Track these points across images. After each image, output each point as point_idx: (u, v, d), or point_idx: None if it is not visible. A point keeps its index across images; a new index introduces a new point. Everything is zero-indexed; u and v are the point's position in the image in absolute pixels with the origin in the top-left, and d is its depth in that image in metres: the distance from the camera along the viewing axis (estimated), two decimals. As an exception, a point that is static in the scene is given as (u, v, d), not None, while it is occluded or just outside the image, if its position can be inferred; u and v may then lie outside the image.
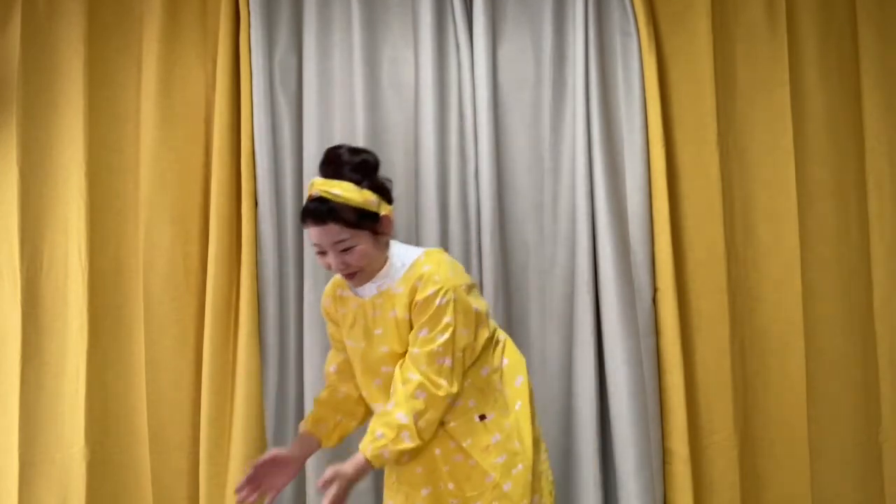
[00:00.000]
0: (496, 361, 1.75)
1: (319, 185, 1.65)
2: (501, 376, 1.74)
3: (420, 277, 1.64)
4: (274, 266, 2.26)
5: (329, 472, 1.59)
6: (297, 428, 2.31)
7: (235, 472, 2.18)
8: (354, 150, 1.71)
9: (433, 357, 1.61)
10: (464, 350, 1.65)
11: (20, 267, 2.25)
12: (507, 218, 2.32)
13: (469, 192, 2.29)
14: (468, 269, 2.24)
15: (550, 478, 1.76)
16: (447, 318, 1.62)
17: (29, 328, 2.25)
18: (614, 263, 2.22)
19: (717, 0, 2.32)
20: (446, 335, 1.61)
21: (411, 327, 1.66)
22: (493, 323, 1.79)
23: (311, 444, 1.82)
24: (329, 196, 1.62)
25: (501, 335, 1.81)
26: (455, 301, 1.63)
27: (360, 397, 1.82)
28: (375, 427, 1.62)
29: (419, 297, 1.63)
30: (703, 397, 2.27)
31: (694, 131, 2.30)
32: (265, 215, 2.26)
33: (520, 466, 1.66)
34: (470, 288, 1.70)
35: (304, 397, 2.28)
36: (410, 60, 2.35)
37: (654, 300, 2.27)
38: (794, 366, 2.28)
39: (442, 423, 1.66)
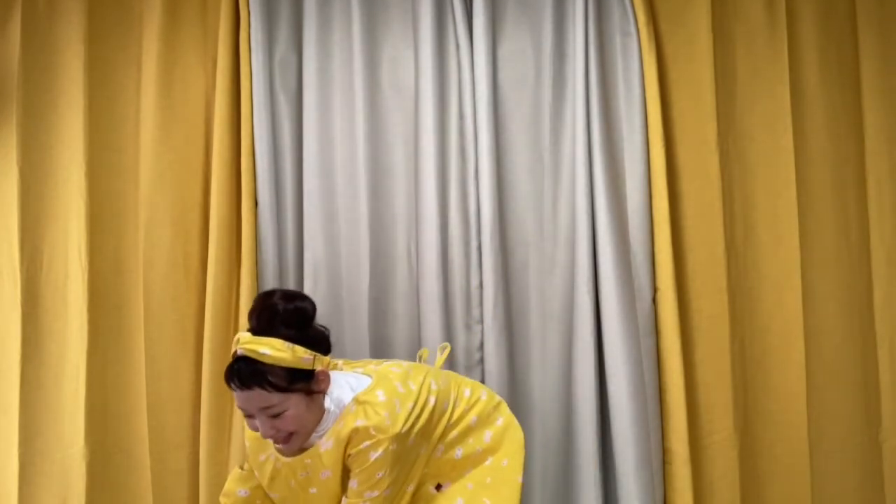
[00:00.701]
0: (457, 433, 1.66)
1: (245, 343, 1.50)
2: (470, 440, 1.67)
3: (355, 431, 1.50)
4: (274, 266, 2.26)
5: None
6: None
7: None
8: (289, 297, 1.58)
9: None
10: (396, 497, 1.56)
11: (20, 267, 2.25)
12: (507, 218, 2.32)
13: (469, 192, 2.29)
14: (468, 269, 2.25)
15: None
16: (380, 474, 1.51)
17: (29, 328, 2.25)
18: (614, 263, 2.22)
19: (717, 0, 2.32)
20: (376, 493, 1.51)
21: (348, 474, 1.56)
22: (452, 394, 1.69)
23: None
24: (256, 356, 1.48)
25: (466, 390, 1.72)
26: (392, 453, 1.50)
27: None
28: None
29: (352, 450, 1.52)
30: (703, 397, 2.27)
31: (694, 131, 2.29)
32: (265, 215, 2.26)
33: None
34: (415, 409, 1.56)
35: (304, 397, 2.27)
36: (410, 60, 2.35)
37: (654, 300, 2.27)
38: (794, 366, 2.28)
39: None
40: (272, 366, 1.48)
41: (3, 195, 2.28)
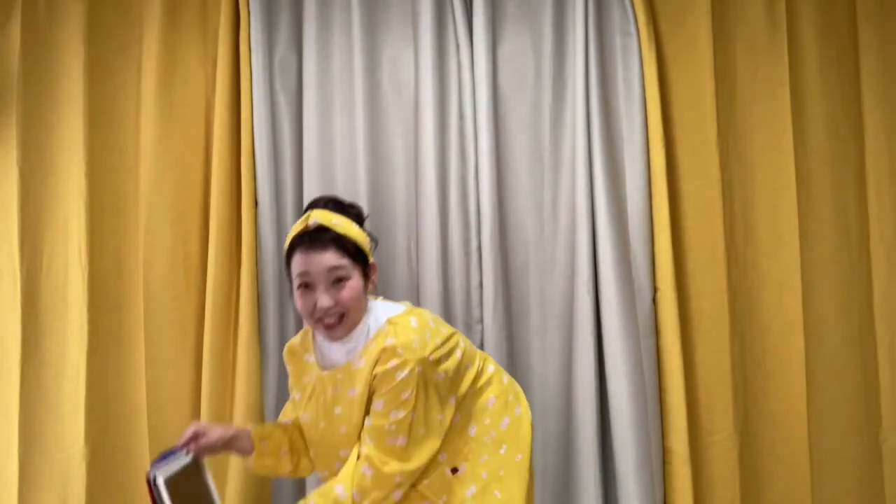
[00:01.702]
0: (474, 406, 1.66)
1: (319, 215, 1.58)
2: (486, 421, 1.65)
3: (383, 350, 1.52)
4: (274, 266, 2.26)
5: None
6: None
7: (235, 472, 2.18)
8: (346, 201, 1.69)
9: (384, 434, 1.51)
10: (426, 427, 1.54)
11: (20, 267, 2.25)
12: (507, 218, 2.32)
13: (469, 192, 2.29)
14: (468, 269, 2.25)
15: None
16: (406, 395, 1.50)
17: (29, 328, 2.25)
18: (614, 263, 2.22)
19: (717, 0, 2.32)
20: (402, 413, 1.50)
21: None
22: (477, 359, 1.70)
23: (241, 444, 1.68)
24: (330, 225, 1.57)
25: (489, 366, 1.72)
26: (419, 375, 1.50)
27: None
28: (312, 497, 1.52)
29: (379, 369, 1.51)
30: (703, 397, 2.27)
31: (694, 131, 2.29)
32: (265, 215, 2.26)
33: None
34: (440, 350, 1.57)
35: (304, 397, 2.28)
36: (410, 60, 2.35)
37: (654, 300, 2.27)
38: (794, 366, 2.28)
39: (414, 485, 1.57)
40: (344, 234, 1.58)
41: (3, 195, 2.28)
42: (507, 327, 2.29)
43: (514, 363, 2.26)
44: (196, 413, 2.26)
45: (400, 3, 2.36)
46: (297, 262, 1.58)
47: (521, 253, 2.32)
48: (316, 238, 1.56)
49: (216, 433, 1.63)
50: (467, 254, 2.27)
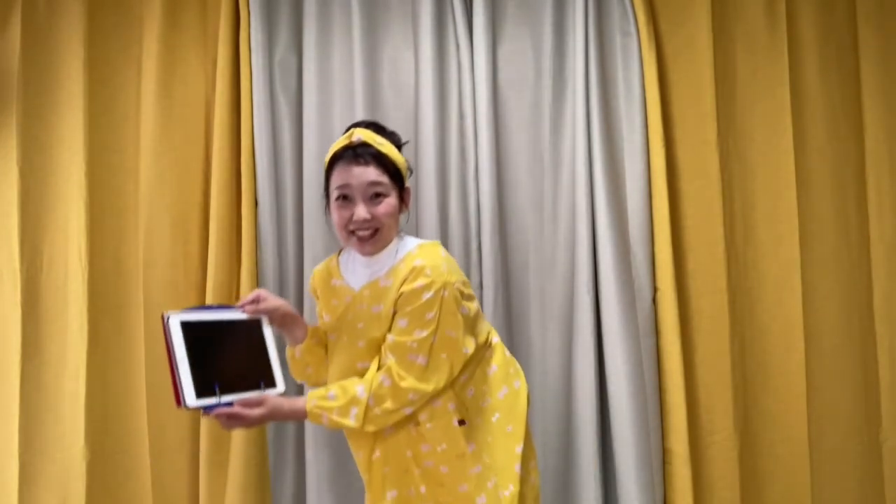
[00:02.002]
0: (476, 370, 1.67)
1: (363, 133, 1.64)
2: (484, 386, 1.67)
3: (412, 270, 1.57)
4: (274, 266, 2.26)
5: (263, 398, 1.54)
6: (297, 428, 2.32)
7: (235, 472, 2.19)
8: None
9: (405, 351, 1.56)
10: (453, 351, 1.58)
11: (20, 267, 2.25)
12: (507, 218, 2.32)
13: (469, 192, 2.29)
14: (468, 270, 2.25)
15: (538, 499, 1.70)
16: (430, 315, 1.55)
17: (29, 328, 2.25)
18: (614, 263, 2.22)
19: (717, 0, 2.32)
20: (425, 332, 1.55)
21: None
22: (486, 324, 1.74)
23: (296, 329, 1.72)
24: (373, 143, 1.63)
25: (494, 337, 1.75)
26: (443, 299, 1.55)
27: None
28: (333, 386, 1.59)
29: (406, 287, 1.56)
30: (703, 397, 2.27)
31: (694, 131, 2.30)
32: (265, 215, 2.26)
33: (493, 480, 1.59)
34: (463, 286, 1.63)
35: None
36: (410, 61, 2.35)
37: (654, 300, 2.27)
38: (794, 366, 2.28)
39: (417, 423, 1.60)
40: (386, 154, 1.63)
41: (3, 195, 2.28)
42: (507, 327, 2.29)
43: (514, 363, 2.26)
44: (196, 413, 2.26)
45: (400, 4, 2.36)
46: (339, 174, 1.63)
47: (521, 253, 2.32)
48: (359, 153, 1.61)
49: (277, 302, 1.69)
50: (467, 254, 2.27)
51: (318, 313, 1.80)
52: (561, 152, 2.32)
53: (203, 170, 2.32)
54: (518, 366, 1.79)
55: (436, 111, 2.27)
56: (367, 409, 1.54)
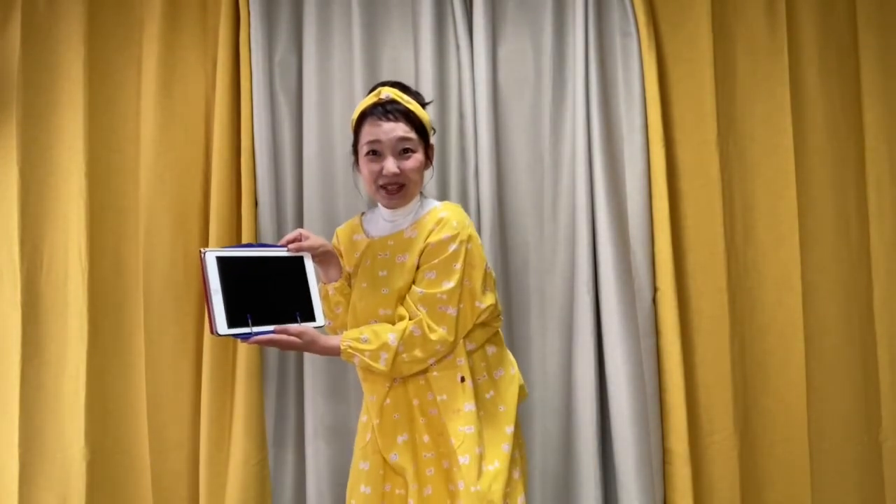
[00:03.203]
0: (481, 348, 1.74)
1: (391, 91, 1.71)
2: (482, 363, 1.74)
3: (438, 222, 1.66)
4: (274, 266, 2.26)
5: (301, 329, 1.60)
6: (297, 428, 2.32)
7: (235, 472, 2.19)
8: None
9: (436, 302, 1.63)
10: (470, 302, 1.66)
11: (20, 267, 2.25)
12: (507, 218, 2.32)
13: (469, 192, 2.29)
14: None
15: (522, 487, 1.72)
16: (456, 265, 1.63)
17: (29, 328, 2.25)
18: (614, 263, 2.22)
19: (717, 0, 2.32)
20: (452, 283, 1.63)
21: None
22: (496, 293, 1.79)
23: (332, 267, 1.79)
24: (402, 100, 1.70)
25: (498, 323, 1.81)
26: (468, 251, 1.65)
27: None
28: (366, 330, 1.66)
29: (433, 239, 1.65)
30: (703, 397, 2.27)
31: (694, 131, 2.29)
32: (265, 215, 2.26)
33: (481, 449, 1.64)
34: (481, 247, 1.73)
35: (304, 397, 2.28)
36: (410, 60, 2.35)
37: (654, 300, 2.27)
38: (794, 366, 2.28)
39: (425, 371, 1.67)
40: (414, 111, 1.71)
41: (3, 195, 2.28)
42: (507, 327, 2.29)
43: (514, 363, 2.26)
44: (196, 413, 2.26)
45: (400, 4, 2.36)
46: (369, 130, 1.70)
47: (521, 253, 2.32)
48: (389, 109, 1.69)
49: (318, 241, 1.75)
50: (467, 254, 2.27)
51: (343, 266, 1.85)
52: (561, 152, 2.32)
53: (203, 170, 2.32)
54: (512, 357, 1.85)
55: (436, 111, 2.27)
56: (397, 354, 1.61)
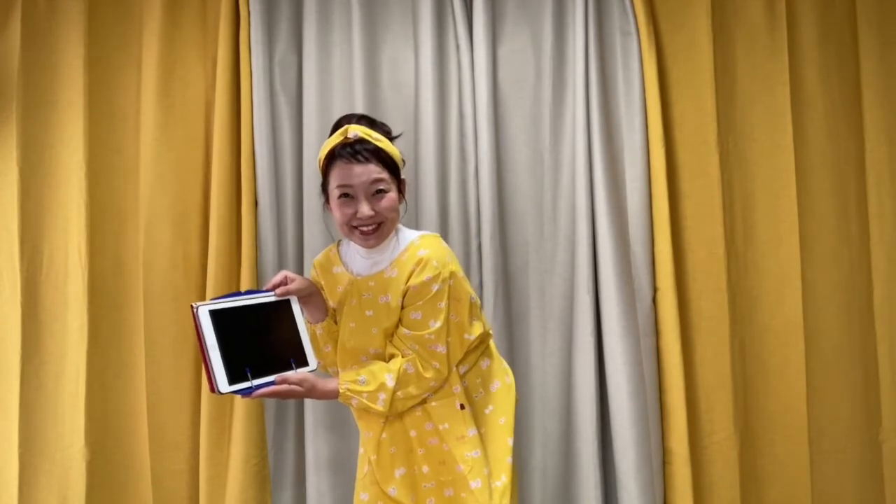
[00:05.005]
0: (476, 364, 1.74)
1: (358, 129, 1.64)
2: (478, 379, 1.74)
3: (418, 262, 1.62)
4: (274, 266, 2.26)
5: (301, 377, 1.58)
6: (297, 428, 2.32)
7: (235, 472, 2.19)
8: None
9: (425, 343, 1.63)
10: (459, 336, 1.66)
11: (20, 267, 2.25)
12: (507, 218, 2.32)
13: (469, 192, 2.29)
14: (468, 269, 2.25)
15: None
16: (441, 304, 1.62)
17: (29, 328, 2.25)
18: (614, 263, 2.22)
19: (717, 0, 2.32)
20: (439, 322, 1.62)
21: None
22: (484, 317, 1.80)
23: (318, 309, 1.74)
24: (371, 139, 1.63)
25: (493, 346, 1.81)
26: (450, 288, 1.63)
27: None
28: (363, 371, 1.64)
29: (415, 281, 1.62)
30: (703, 397, 2.27)
31: (694, 131, 2.29)
32: (265, 215, 2.26)
33: (487, 469, 1.65)
34: (465, 277, 1.71)
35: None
36: (410, 60, 2.35)
37: (654, 300, 2.27)
38: (794, 366, 2.28)
39: (423, 401, 1.67)
40: (384, 149, 1.65)
41: (3, 195, 2.28)
42: (507, 327, 2.29)
43: (514, 363, 2.26)
44: (196, 413, 2.26)
45: (400, 3, 2.36)
46: (339, 173, 1.64)
47: (521, 253, 2.32)
48: (359, 150, 1.63)
49: (303, 283, 1.71)
50: (467, 254, 2.27)
51: (325, 299, 1.82)
52: (561, 152, 2.32)
53: (203, 170, 2.32)
54: (506, 364, 1.84)
55: (436, 111, 2.27)
56: (393, 396, 1.61)
